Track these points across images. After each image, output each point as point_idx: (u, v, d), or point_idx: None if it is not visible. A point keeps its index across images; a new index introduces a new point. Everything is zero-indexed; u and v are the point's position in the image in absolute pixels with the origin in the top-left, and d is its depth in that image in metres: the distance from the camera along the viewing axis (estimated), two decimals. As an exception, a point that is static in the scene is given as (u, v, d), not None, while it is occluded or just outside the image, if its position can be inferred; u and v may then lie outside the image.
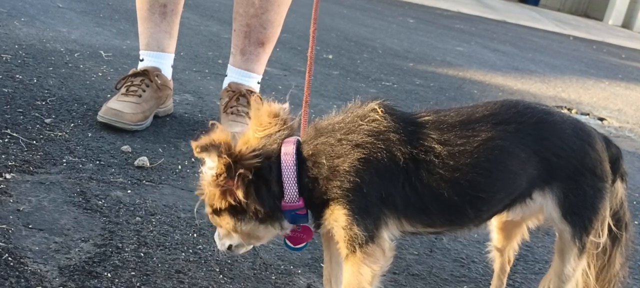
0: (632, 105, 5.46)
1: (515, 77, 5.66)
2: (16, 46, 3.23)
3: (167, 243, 1.76)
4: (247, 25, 2.65)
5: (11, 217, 1.72)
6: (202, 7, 5.87)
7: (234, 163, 1.31)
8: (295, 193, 1.35)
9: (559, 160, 1.43)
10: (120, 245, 1.71)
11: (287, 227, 1.43)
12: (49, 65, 3.06)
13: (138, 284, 1.56)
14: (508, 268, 1.77)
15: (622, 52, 10.06)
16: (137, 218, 1.86)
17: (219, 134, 1.34)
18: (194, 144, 1.32)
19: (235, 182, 1.32)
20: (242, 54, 2.71)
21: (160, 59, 2.69)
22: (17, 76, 2.79)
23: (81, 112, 2.55)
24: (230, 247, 1.48)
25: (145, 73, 2.62)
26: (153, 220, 1.87)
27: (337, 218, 1.34)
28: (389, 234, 1.37)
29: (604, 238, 1.56)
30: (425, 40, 6.88)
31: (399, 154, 1.32)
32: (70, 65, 3.14)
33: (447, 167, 1.34)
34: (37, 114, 2.42)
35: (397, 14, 8.82)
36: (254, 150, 1.35)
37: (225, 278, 1.66)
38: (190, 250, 1.76)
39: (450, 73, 5.25)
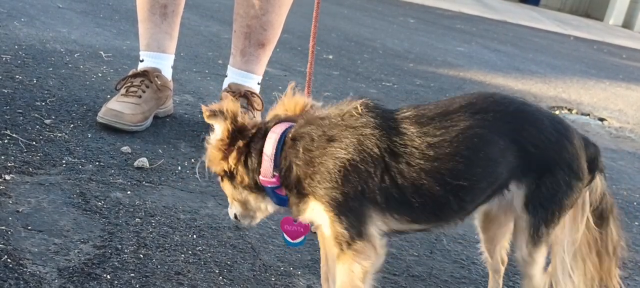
0: (633, 105, 5.45)
1: (515, 77, 5.65)
2: (16, 46, 3.23)
3: (167, 245, 1.76)
4: (248, 26, 2.64)
5: (10, 218, 1.71)
6: (202, 8, 5.87)
7: (237, 132, 1.43)
8: (269, 169, 1.41)
9: (536, 150, 1.41)
10: (120, 246, 1.70)
11: (273, 205, 1.50)
12: (49, 65, 3.05)
13: (137, 286, 1.55)
14: (502, 269, 1.76)
15: (622, 52, 10.05)
16: (136, 219, 1.86)
17: (229, 104, 1.44)
18: (204, 109, 1.44)
19: (232, 149, 1.43)
20: (242, 55, 2.70)
21: (160, 60, 2.69)
22: (17, 77, 2.79)
23: (81, 112, 2.55)
24: (236, 217, 1.56)
25: (145, 74, 2.62)
26: (152, 221, 1.87)
27: (319, 215, 1.37)
28: (376, 229, 1.37)
29: (580, 234, 1.56)
30: (425, 40, 6.87)
31: (376, 149, 1.34)
32: (70, 65, 3.14)
33: (427, 158, 1.35)
34: (36, 115, 2.42)
35: (398, 14, 8.81)
36: (255, 125, 1.46)
37: (224, 280, 1.66)
38: (190, 252, 1.75)
39: (451, 73, 5.24)
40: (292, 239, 1.55)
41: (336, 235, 1.36)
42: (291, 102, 1.50)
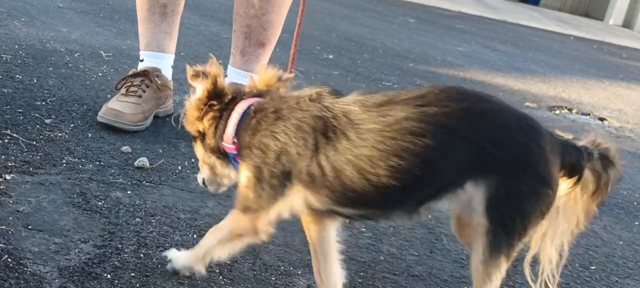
0: (633, 105, 5.46)
1: (515, 77, 5.66)
2: (16, 46, 3.23)
3: (167, 244, 1.76)
4: (247, 26, 2.65)
5: (11, 218, 1.71)
6: (202, 8, 5.87)
7: (215, 95, 1.50)
8: (230, 136, 1.49)
9: (496, 150, 1.34)
10: (120, 246, 1.70)
11: (235, 172, 1.56)
12: (49, 65, 3.05)
13: (138, 285, 1.56)
14: None
15: (623, 51, 10.06)
16: (137, 219, 1.86)
17: (213, 67, 1.52)
18: (188, 68, 1.53)
19: (208, 110, 1.51)
20: (242, 55, 2.70)
21: (160, 60, 2.69)
22: (17, 76, 2.79)
23: (81, 112, 2.55)
24: (204, 183, 1.67)
25: (145, 73, 2.62)
26: (153, 221, 1.87)
27: (242, 177, 1.47)
28: (279, 210, 1.44)
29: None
30: (425, 40, 6.88)
31: (312, 133, 1.38)
32: (70, 65, 3.14)
33: (353, 145, 1.35)
34: (37, 115, 2.42)
35: (398, 14, 8.81)
36: (234, 92, 1.53)
37: (224, 279, 1.66)
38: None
39: (451, 73, 5.24)
40: None
41: (242, 194, 1.46)
42: (266, 74, 1.57)
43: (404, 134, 1.33)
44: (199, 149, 1.60)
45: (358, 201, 1.40)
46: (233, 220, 1.50)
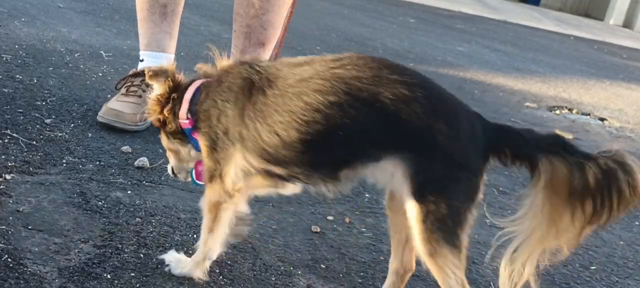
0: (633, 105, 5.45)
1: (515, 77, 5.65)
2: (16, 46, 3.23)
3: (167, 244, 1.76)
4: (248, 26, 2.64)
5: (11, 218, 1.71)
6: (203, 7, 5.87)
7: (173, 88, 1.63)
8: (185, 112, 1.59)
9: (405, 126, 1.31)
10: (120, 246, 1.70)
11: (194, 152, 1.67)
12: (49, 65, 3.05)
13: (138, 285, 1.55)
14: (404, 276, 1.63)
15: (623, 52, 10.05)
16: (137, 219, 1.86)
17: (168, 66, 1.67)
18: (146, 70, 1.65)
19: (168, 101, 1.63)
20: (242, 55, 2.70)
21: (160, 59, 2.68)
22: (17, 76, 2.79)
23: (81, 112, 2.55)
24: (173, 172, 1.78)
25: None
26: (153, 221, 1.87)
27: (201, 149, 1.57)
28: (236, 170, 1.50)
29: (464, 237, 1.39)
30: (425, 40, 6.87)
31: (239, 91, 1.48)
32: (70, 65, 3.14)
33: (268, 100, 1.42)
34: (37, 115, 2.42)
35: (398, 14, 8.81)
36: (188, 81, 1.64)
37: (225, 279, 1.66)
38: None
39: (451, 73, 5.24)
40: (199, 180, 1.72)
41: (206, 165, 1.56)
42: (224, 62, 1.63)
43: (311, 90, 1.36)
44: (164, 139, 1.72)
45: (279, 160, 1.44)
46: (206, 194, 1.58)
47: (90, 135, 2.36)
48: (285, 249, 1.87)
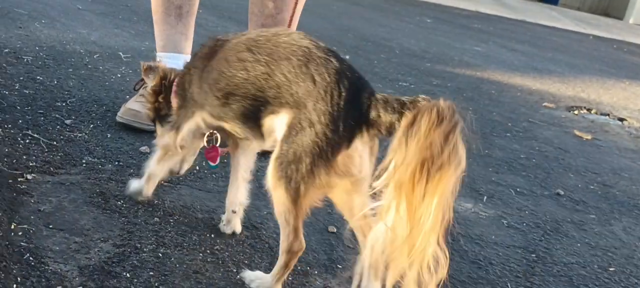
0: (654, 105, 5.39)
1: (533, 77, 5.61)
2: (37, 48, 3.28)
3: (185, 244, 1.78)
4: (263, 25, 2.66)
5: (32, 217, 1.74)
6: (219, 8, 5.90)
7: (164, 79, 1.85)
8: (175, 93, 1.81)
9: (292, 88, 1.49)
10: (139, 245, 1.72)
11: (189, 137, 1.81)
12: (69, 66, 3.09)
13: (156, 284, 1.57)
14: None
15: (643, 51, 9.93)
16: (155, 218, 1.88)
17: (161, 63, 1.90)
18: (142, 64, 1.88)
19: (161, 90, 1.85)
20: None
21: (177, 60, 2.70)
22: (38, 77, 2.83)
23: (100, 113, 2.58)
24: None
25: (163, 74, 2.64)
26: (171, 220, 1.89)
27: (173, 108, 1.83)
28: (190, 128, 1.74)
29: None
30: (442, 40, 6.85)
31: (204, 58, 1.71)
32: (89, 66, 3.17)
33: (213, 66, 1.66)
34: (57, 115, 2.45)
35: (415, 14, 8.79)
36: (179, 71, 1.86)
37: (239, 281, 1.67)
38: (208, 251, 1.77)
39: (468, 73, 5.22)
40: (213, 163, 1.87)
41: (173, 120, 1.80)
42: None
43: (236, 52, 1.60)
44: (159, 129, 1.91)
45: (221, 115, 1.65)
46: (164, 136, 1.83)
47: (109, 135, 2.39)
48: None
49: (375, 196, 1.35)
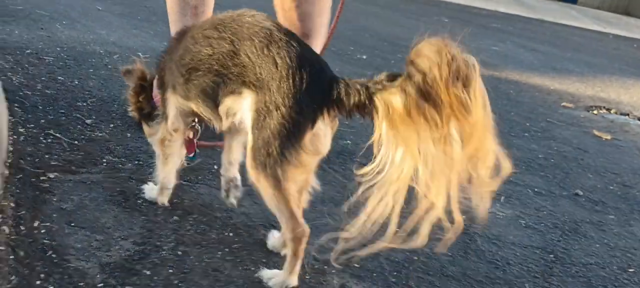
0: (675, 105, 5.32)
1: (552, 77, 5.57)
2: (58, 48, 3.32)
3: (204, 242, 1.80)
4: (285, 18, 2.65)
5: (55, 215, 1.77)
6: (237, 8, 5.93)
7: (143, 80, 1.96)
8: (156, 91, 1.89)
9: (254, 70, 1.53)
10: (159, 243, 1.75)
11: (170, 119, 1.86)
12: (90, 67, 3.14)
13: (176, 281, 1.59)
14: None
15: (664, 50, 9.80)
16: (174, 217, 1.90)
17: (138, 64, 1.98)
18: (122, 69, 1.99)
19: (141, 91, 1.95)
20: None
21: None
22: (59, 78, 2.87)
23: (120, 112, 2.61)
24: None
25: (182, 74, 2.67)
26: (190, 219, 1.91)
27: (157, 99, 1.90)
28: (174, 111, 1.79)
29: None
30: (460, 39, 6.81)
31: (174, 46, 1.78)
32: (109, 66, 3.21)
33: (180, 48, 1.72)
34: (78, 115, 2.49)
35: (432, 14, 8.76)
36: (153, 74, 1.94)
37: (257, 278, 1.68)
38: (227, 249, 1.79)
39: (486, 73, 5.15)
40: (189, 154, 1.98)
41: (160, 111, 1.88)
42: None
43: (202, 30, 1.66)
44: (145, 129, 1.99)
45: (189, 96, 1.71)
46: (158, 132, 1.89)
47: (129, 135, 2.42)
48: (319, 248, 1.89)
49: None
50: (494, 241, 2.15)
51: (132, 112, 2.01)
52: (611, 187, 2.94)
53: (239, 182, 1.95)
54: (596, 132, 3.90)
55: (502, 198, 2.54)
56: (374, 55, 5.02)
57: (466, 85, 1.39)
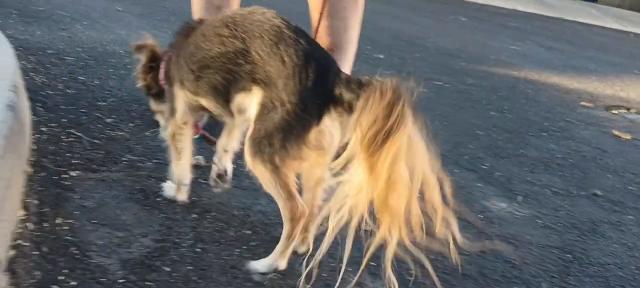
0: (697, 104, 5.25)
1: (571, 76, 5.53)
2: (79, 49, 3.38)
3: (222, 240, 1.82)
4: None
5: (77, 212, 1.81)
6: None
7: (154, 58, 2.00)
8: (162, 74, 1.96)
9: (263, 68, 1.56)
10: (178, 240, 1.77)
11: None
12: (110, 66, 3.18)
13: (194, 278, 1.62)
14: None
15: (686, 49, 9.66)
16: (193, 215, 1.93)
17: (148, 40, 2.03)
18: (131, 44, 2.04)
19: (151, 69, 2.01)
20: None
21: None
22: (80, 77, 2.92)
23: (140, 112, 2.65)
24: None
25: (200, 74, 2.69)
26: (208, 216, 1.94)
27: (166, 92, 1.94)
28: (183, 105, 1.82)
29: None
30: (478, 38, 6.79)
31: (182, 41, 1.82)
32: (129, 66, 3.25)
33: (189, 43, 1.75)
34: (98, 114, 2.53)
35: (450, 13, 8.73)
36: (164, 53, 1.98)
37: (276, 274, 1.71)
38: (244, 246, 1.81)
39: (504, 72, 5.17)
40: (194, 136, 1.99)
41: (168, 106, 1.90)
42: None
43: (213, 27, 1.68)
44: (153, 105, 2.10)
45: (198, 91, 1.74)
46: (168, 128, 1.92)
47: (148, 134, 2.45)
48: (335, 246, 1.90)
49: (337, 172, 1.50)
50: (511, 241, 2.15)
51: (141, 87, 2.08)
52: (630, 187, 2.92)
53: (230, 176, 2.00)
54: (615, 132, 3.87)
55: (520, 198, 2.54)
56: (391, 55, 5.02)
57: (384, 142, 1.41)
